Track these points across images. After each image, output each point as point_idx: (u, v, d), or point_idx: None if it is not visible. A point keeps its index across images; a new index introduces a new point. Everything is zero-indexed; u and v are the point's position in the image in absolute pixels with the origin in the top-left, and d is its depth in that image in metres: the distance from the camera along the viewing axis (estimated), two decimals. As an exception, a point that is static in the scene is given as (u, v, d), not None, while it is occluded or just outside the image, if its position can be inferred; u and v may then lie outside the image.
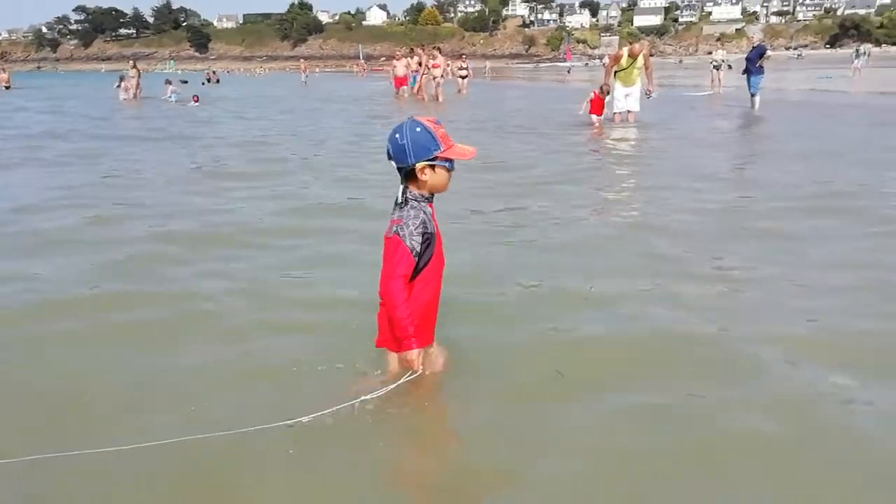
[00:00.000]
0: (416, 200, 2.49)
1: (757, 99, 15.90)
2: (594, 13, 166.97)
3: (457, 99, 22.09)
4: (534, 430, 2.46)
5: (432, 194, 2.55)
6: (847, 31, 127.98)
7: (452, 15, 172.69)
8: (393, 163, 2.49)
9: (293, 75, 64.06)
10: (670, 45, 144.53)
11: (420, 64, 21.44)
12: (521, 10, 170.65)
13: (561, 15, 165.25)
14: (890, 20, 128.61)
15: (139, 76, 24.04)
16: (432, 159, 2.44)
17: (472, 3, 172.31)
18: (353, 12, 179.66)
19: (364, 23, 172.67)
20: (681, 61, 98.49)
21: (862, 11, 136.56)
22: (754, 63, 15.97)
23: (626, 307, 3.56)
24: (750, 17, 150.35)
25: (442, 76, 20.90)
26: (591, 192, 7.00)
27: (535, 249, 4.76)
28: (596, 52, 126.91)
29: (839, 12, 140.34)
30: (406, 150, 2.42)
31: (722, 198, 6.43)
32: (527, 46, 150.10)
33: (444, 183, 2.51)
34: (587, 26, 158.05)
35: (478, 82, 32.21)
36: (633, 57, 12.94)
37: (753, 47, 16.49)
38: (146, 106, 21.34)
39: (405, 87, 21.52)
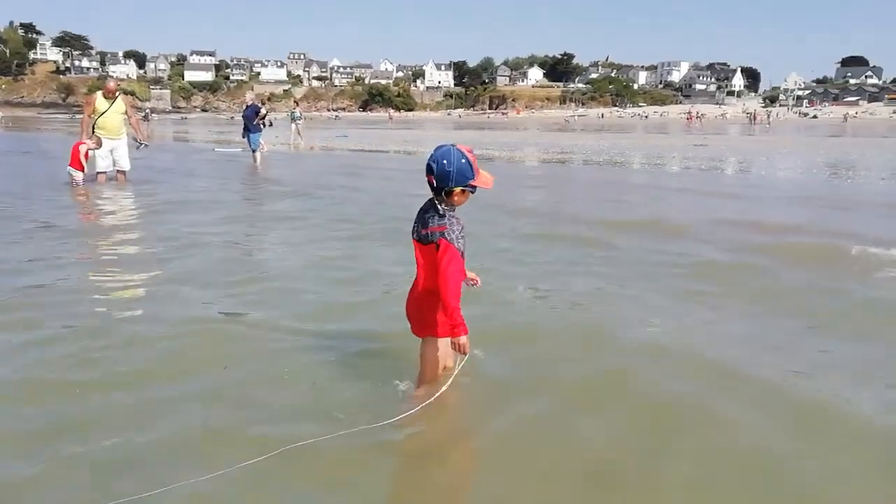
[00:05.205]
0: (451, 212, 2.94)
1: (258, 155, 16.95)
2: (141, 65, 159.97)
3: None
4: None
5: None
6: (374, 98, 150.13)
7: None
8: (433, 179, 2.89)
9: None
10: (223, 101, 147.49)
11: None
12: (54, 54, 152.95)
13: (103, 63, 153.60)
14: (404, 90, 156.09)
15: None
16: (466, 185, 2.87)
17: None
18: None
19: None
20: (233, 118, 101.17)
21: (384, 82, 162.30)
22: (252, 121, 17.06)
23: None
24: (295, 79, 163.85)
25: None
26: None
27: None
28: (147, 104, 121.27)
29: (367, 81, 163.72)
30: (451, 175, 2.86)
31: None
32: (64, 95, 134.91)
33: (465, 202, 2.99)
34: (134, 78, 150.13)
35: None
36: (109, 98, 11.35)
37: (248, 106, 17.50)
38: None
39: None
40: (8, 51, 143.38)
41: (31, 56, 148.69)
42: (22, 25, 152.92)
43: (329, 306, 4.77)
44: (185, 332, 4.16)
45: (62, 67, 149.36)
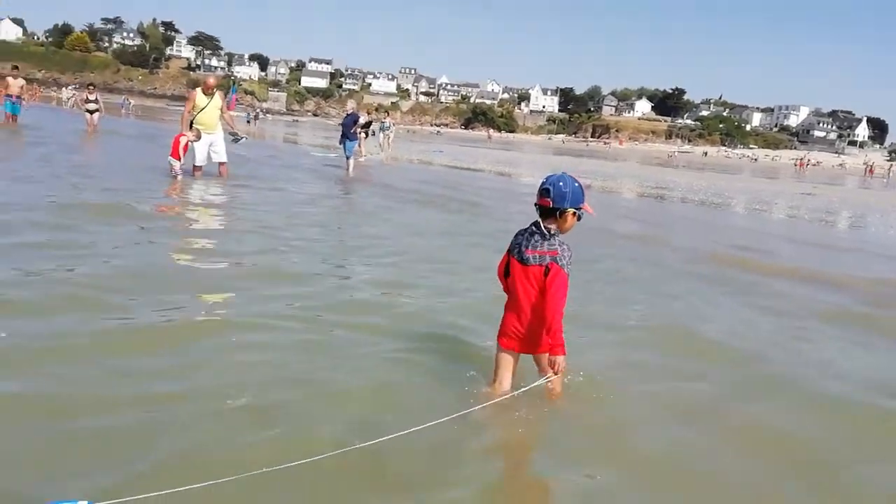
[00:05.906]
0: (558, 236, 3.17)
1: (351, 162, 17.42)
2: (263, 67, 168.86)
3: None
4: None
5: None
6: (477, 116, 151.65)
7: (108, 45, 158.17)
8: (549, 201, 3.14)
9: None
10: (334, 108, 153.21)
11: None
12: (188, 52, 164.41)
13: (230, 64, 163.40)
14: (507, 112, 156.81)
15: None
16: (578, 208, 3.16)
17: (132, 36, 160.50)
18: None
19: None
20: (340, 124, 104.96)
21: (489, 102, 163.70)
22: (349, 129, 17.61)
23: None
24: (404, 93, 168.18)
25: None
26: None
27: None
28: (263, 105, 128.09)
29: (472, 100, 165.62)
30: (567, 196, 3.13)
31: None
32: (191, 88, 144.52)
33: (572, 228, 3.25)
34: (255, 79, 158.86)
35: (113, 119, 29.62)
36: (209, 94, 11.77)
37: (348, 114, 18.09)
38: None
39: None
40: (148, 45, 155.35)
41: (168, 52, 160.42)
42: (163, 24, 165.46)
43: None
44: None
45: (193, 64, 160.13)
